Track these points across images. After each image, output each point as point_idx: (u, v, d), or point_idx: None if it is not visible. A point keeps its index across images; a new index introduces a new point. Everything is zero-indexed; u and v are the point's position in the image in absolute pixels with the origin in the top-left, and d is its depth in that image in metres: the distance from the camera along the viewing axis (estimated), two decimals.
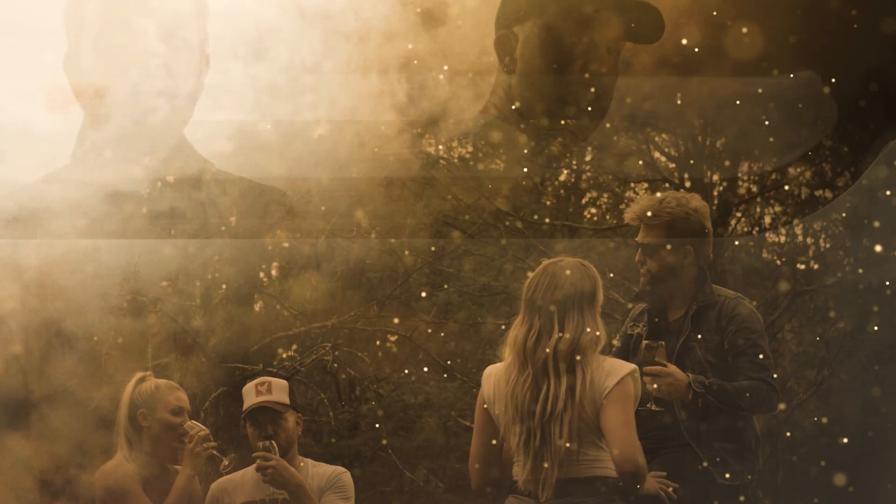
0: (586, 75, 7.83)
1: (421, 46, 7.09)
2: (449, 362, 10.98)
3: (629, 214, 6.93)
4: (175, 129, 7.26)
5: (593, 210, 12.32)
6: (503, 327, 11.43)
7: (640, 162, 11.44)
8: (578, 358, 5.93)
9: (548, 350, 5.94)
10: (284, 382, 7.02)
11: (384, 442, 10.77)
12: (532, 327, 6.00)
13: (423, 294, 10.47)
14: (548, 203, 11.23)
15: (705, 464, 6.74)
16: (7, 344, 7.53)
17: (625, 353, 6.86)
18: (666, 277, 6.87)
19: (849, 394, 10.00)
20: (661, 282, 6.90)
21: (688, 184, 11.59)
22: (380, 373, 10.77)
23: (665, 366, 6.67)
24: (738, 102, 8.61)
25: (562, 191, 11.97)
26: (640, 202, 6.93)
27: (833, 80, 7.95)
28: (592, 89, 7.90)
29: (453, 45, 7.12)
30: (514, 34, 7.84)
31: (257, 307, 9.76)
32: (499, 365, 6.13)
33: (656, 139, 11.05)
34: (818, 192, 11.21)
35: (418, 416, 11.17)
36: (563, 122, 8.19)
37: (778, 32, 7.63)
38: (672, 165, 12.05)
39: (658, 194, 7.05)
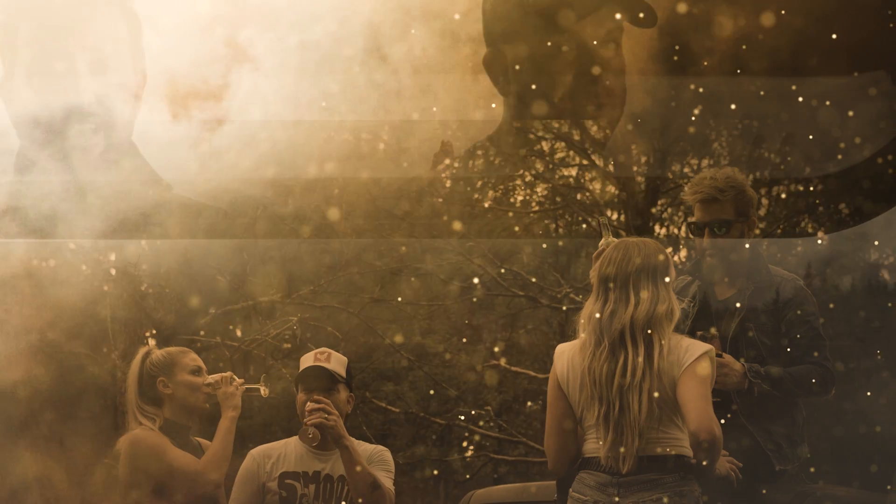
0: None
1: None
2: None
3: (694, 195, 6.87)
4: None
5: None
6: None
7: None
8: (654, 329, 5.96)
9: (624, 321, 5.96)
10: (344, 358, 7.04)
11: None
12: (607, 301, 6.02)
13: None
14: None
15: (768, 448, 6.73)
16: (111, 350, 7.49)
17: None
18: (728, 254, 6.86)
19: None
20: (723, 258, 6.87)
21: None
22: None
23: (721, 356, 6.62)
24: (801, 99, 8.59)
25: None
26: (702, 181, 6.87)
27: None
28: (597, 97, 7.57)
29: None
30: (503, 53, 7.52)
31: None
32: (572, 342, 6.16)
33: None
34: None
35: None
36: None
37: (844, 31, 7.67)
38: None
39: (704, 173, 6.95)
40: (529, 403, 14.66)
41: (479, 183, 12.33)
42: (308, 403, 6.78)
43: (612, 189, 13.23)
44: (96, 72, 7.05)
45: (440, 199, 11.51)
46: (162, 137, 7.22)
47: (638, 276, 6.01)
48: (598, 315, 6.03)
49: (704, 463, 5.87)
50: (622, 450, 5.91)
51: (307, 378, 6.89)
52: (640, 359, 5.92)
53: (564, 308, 13.29)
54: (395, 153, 7.22)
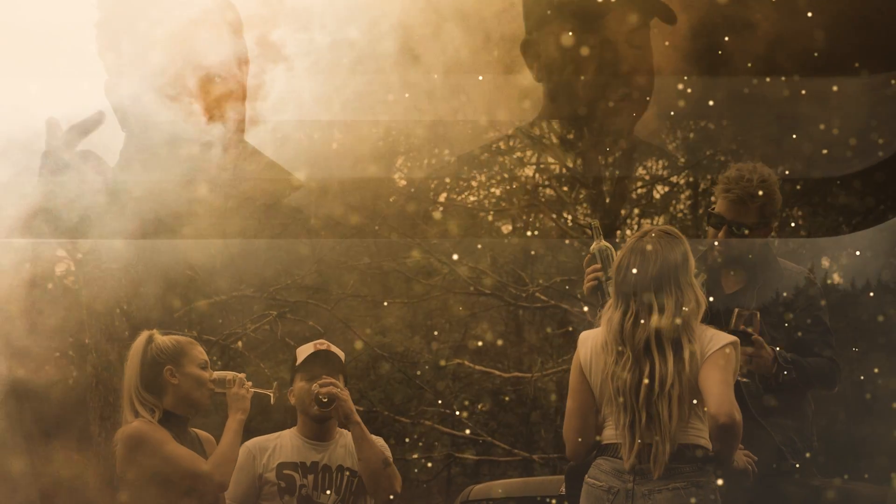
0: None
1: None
2: None
3: (726, 194, 6.67)
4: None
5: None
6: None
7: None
8: (683, 331, 5.81)
9: (649, 331, 5.80)
10: (342, 352, 7.05)
11: None
12: (628, 310, 5.85)
13: None
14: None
15: (782, 444, 6.69)
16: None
17: None
18: (738, 248, 6.75)
19: None
20: (732, 253, 6.77)
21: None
22: None
23: (760, 336, 6.49)
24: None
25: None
26: (738, 181, 6.68)
27: None
28: (622, 89, 7.66)
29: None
30: (536, 40, 7.56)
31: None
32: (595, 330, 6.00)
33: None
34: None
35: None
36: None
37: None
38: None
39: (741, 169, 6.76)
40: (481, 406, 14.67)
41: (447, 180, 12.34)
42: (314, 385, 6.77)
43: (566, 189, 13.30)
44: (201, 75, 7.01)
45: (392, 198, 11.53)
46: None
47: (659, 282, 5.87)
48: (618, 323, 5.87)
49: (723, 449, 5.81)
50: (651, 457, 5.80)
51: (314, 363, 6.88)
52: (669, 366, 5.79)
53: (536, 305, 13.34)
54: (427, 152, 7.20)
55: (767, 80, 8.00)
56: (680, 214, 14.08)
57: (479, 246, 12.82)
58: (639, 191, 13.73)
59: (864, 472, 9.01)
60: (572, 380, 6.01)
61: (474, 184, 12.96)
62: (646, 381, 5.78)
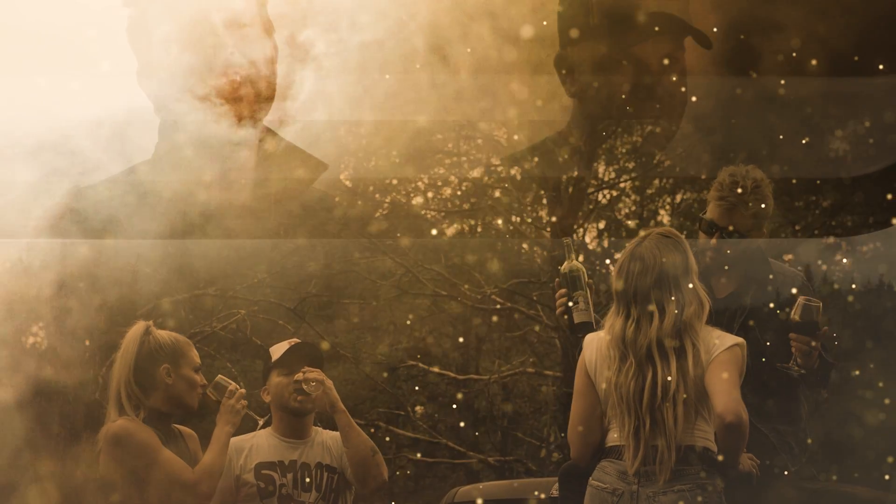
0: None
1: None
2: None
3: (720, 202, 6.59)
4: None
5: None
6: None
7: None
8: (685, 333, 5.80)
9: (650, 336, 5.80)
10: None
11: None
12: (630, 316, 5.85)
13: None
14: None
15: (783, 451, 6.61)
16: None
17: None
18: (729, 252, 6.65)
19: None
20: (724, 258, 6.67)
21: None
22: None
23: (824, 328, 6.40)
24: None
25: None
26: (731, 189, 6.59)
27: None
28: (657, 105, 7.57)
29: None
30: (571, 56, 7.46)
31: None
32: (601, 332, 5.98)
33: None
34: None
35: None
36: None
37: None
38: None
39: (734, 174, 6.64)
40: (420, 409, 14.69)
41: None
42: (298, 374, 6.77)
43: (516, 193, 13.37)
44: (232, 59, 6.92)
45: (337, 198, 11.50)
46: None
47: (660, 287, 5.87)
48: (620, 330, 5.87)
49: (729, 450, 5.77)
50: (656, 461, 5.79)
51: (292, 357, 6.87)
52: (672, 370, 5.78)
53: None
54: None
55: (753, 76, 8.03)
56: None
57: (435, 248, 12.84)
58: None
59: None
60: (577, 382, 6.00)
61: (423, 185, 12.97)
62: (648, 386, 5.77)
